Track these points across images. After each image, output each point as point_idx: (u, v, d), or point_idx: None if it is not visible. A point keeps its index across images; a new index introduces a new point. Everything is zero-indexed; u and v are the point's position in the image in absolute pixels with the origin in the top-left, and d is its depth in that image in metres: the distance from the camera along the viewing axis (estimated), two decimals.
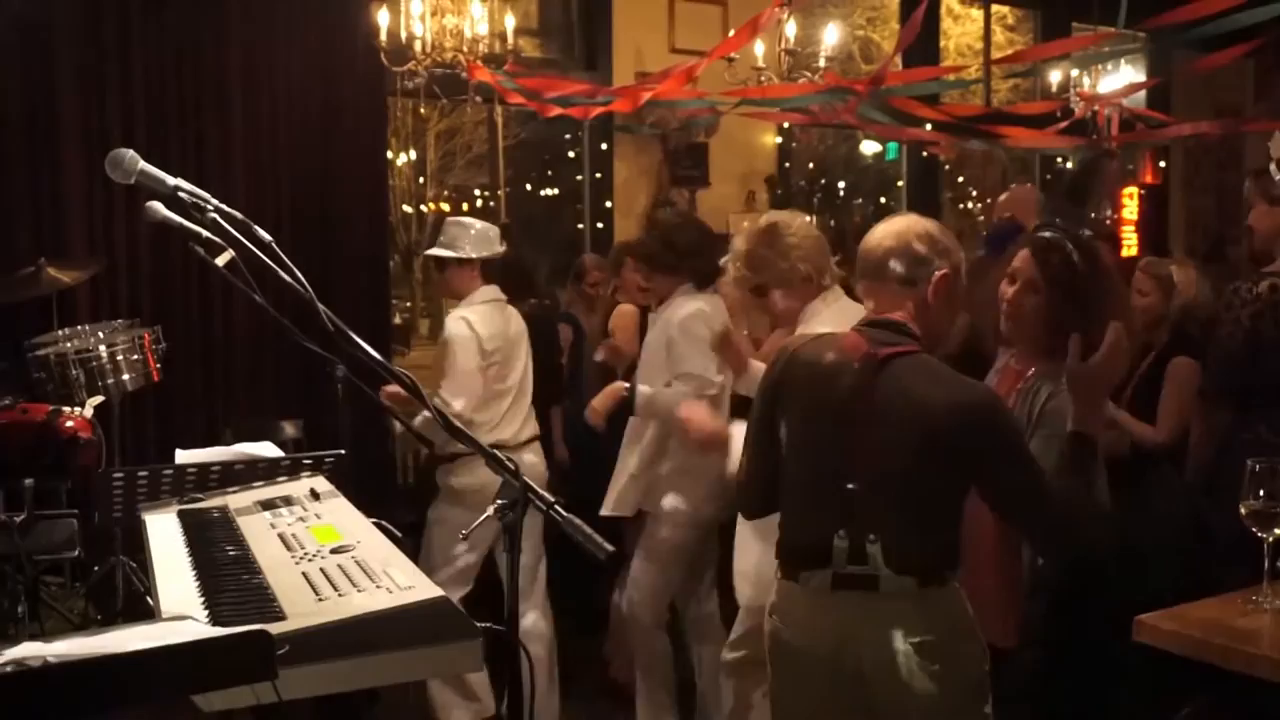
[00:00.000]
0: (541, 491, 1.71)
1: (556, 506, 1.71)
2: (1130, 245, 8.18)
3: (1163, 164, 8.43)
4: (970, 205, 11.27)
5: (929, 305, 2.31)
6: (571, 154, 7.25)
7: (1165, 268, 4.02)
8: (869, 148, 9.51)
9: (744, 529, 3.27)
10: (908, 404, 2.17)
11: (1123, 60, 6.79)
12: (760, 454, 2.41)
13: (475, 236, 4.02)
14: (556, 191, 8.17)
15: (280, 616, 1.60)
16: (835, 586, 2.20)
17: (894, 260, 2.30)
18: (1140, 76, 7.13)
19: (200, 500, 2.41)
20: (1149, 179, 8.42)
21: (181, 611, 1.65)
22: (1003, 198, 5.46)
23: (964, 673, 2.22)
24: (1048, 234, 2.64)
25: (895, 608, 2.17)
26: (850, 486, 2.19)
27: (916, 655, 2.16)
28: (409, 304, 10.33)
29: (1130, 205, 8.35)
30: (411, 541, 3.66)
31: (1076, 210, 6.93)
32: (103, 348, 4.06)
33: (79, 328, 4.34)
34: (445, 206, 9.41)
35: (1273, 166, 3.34)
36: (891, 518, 2.18)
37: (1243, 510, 2.18)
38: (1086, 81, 6.48)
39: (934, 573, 2.20)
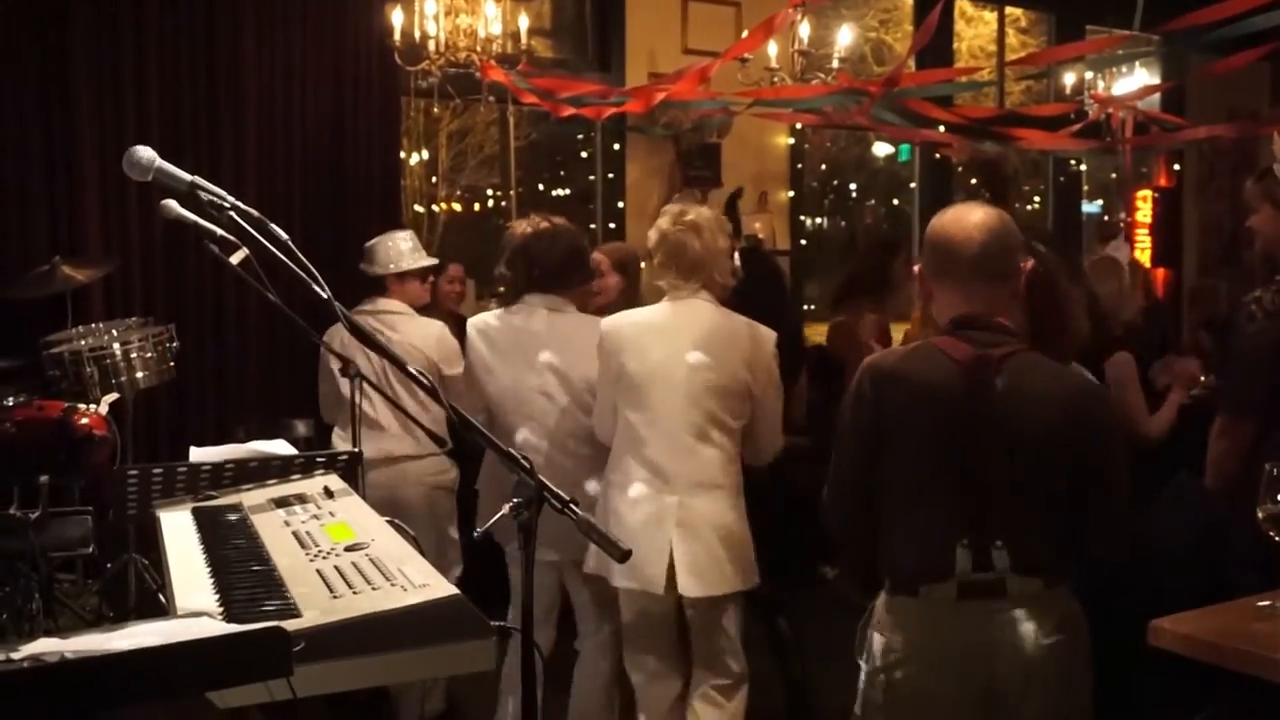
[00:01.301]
0: (557, 490, 1.71)
1: (571, 506, 1.71)
2: (1144, 248, 8.16)
3: (1177, 167, 8.41)
4: None
5: (1019, 297, 2.29)
6: (584, 154, 7.26)
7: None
8: (881, 149, 9.50)
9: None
10: (1028, 402, 2.16)
11: (1137, 63, 6.77)
12: (858, 484, 2.30)
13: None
14: (568, 192, 8.18)
15: (295, 614, 1.60)
16: (960, 596, 2.16)
17: (992, 255, 2.21)
18: (1155, 79, 7.10)
19: (214, 498, 2.42)
20: (1163, 182, 8.40)
21: (196, 608, 1.65)
22: None
23: (1084, 672, 2.22)
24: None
25: (1023, 611, 2.15)
26: (976, 492, 2.16)
27: (1048, 658, 2.15)
28: None
29: (1144, 208, 8.33)
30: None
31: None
32: (117, 345, 4.07)
33: (93, 325, 4.35)
34: (457, 207, 9.43)
35: (1277, 167, 3.30)
36: (1017, 519, 2.16)
37: (1260, 515, 2.17)
38: (1101, 84, 6.46)
39: (1058, 572, 2.20)
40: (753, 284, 3.66)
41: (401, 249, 4.25)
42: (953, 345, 2.21)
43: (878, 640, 2.26)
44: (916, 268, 2.35)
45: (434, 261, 4.40)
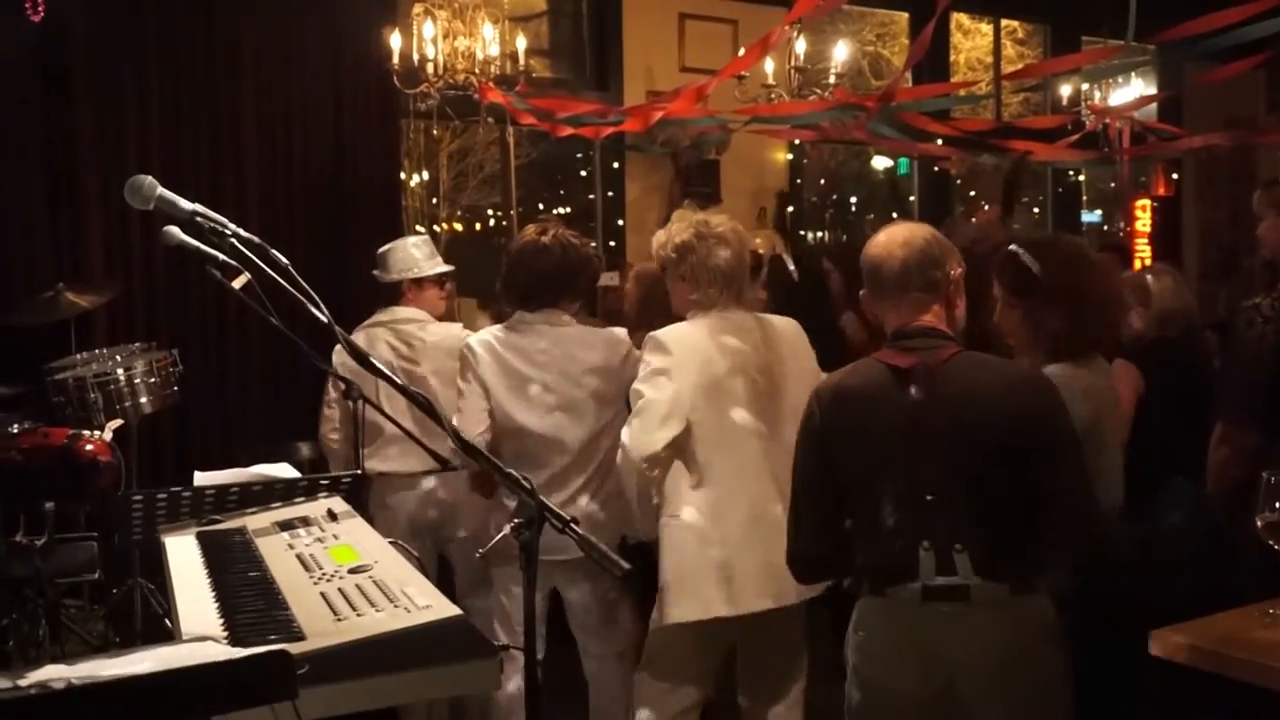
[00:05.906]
0: (556, 509, 1.72)
1: (572, 525, 1.72)
2: (1143, 258, 8.16)
3: (1175, 176, 8.42)
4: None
5: (952, 304, 2.35)
6: (583, 173, 7.28)
7: (1142, 279, 4.13)
8: (880, 163, 9.52)
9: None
10: (974, 400, 2.19)
11: (1133, 73, 6.79)
12: (816, 510, 2.35)
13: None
14: (569, 210, 8.20)
15: (300, 636, 1.60)
16: (925, 599, 2.18)
17: (915, 269, 2.30)
18: (1151, 89, 7.12)
19: (218, 522, 2.42)
20: (1161, 191, 8.41)
21: (201, 632, 1.66)
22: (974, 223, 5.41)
23: (1055, 683, 2.23)
24: (1005, 251, 2.77)
25: (988, 617, 2.17)
26: (930, 495, 2.19)
27: (1012, 667, 2.16)
28: None
29: (1143, 218, 8.34)
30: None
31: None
32: (120, 371, 4.09)
33: (97, 351, 4.39)
34: (458, 227, 9.46)
35: None
36: (975, 522, 2.18)
37: (1259, 523, 2.18)
38: (1097, 95, 6.48)
39: (1025, 579, 2.20)
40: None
41: (416, 255, 4.13)
42: (894, 356, 2.28)
43: (853, 638, 2.33)
44: (863, 291, 2.42)
45: (450, 268, 4.21)
